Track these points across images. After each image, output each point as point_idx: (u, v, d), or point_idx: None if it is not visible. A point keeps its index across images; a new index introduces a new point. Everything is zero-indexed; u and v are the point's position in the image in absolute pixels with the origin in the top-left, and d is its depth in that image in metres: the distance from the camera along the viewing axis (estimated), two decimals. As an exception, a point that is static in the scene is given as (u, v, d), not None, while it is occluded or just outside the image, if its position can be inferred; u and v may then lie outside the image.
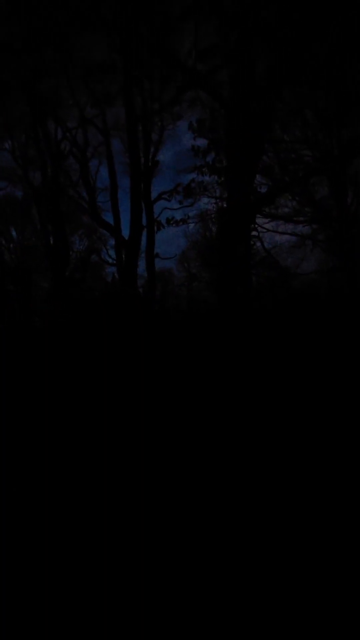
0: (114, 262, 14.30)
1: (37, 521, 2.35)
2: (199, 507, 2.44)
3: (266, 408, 4.15)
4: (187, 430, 3.76)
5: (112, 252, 16.42)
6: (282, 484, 2.69)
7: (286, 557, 1.95)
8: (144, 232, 11.87)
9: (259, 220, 12.48)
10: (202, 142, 10.46)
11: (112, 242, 14.79)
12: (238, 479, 2.79)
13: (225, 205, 9.81)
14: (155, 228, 12.76)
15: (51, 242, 13.49)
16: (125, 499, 2.55)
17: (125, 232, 11.45)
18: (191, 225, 15.60)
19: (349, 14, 5.71)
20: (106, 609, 1.67)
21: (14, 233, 18.86)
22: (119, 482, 2.80)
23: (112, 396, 4.62)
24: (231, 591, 1.75)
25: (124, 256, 11.93)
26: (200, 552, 2.01)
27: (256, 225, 12.23)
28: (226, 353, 5.69)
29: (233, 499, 2.53)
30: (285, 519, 2.28)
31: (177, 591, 1.75)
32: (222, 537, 2.13)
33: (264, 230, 13.40)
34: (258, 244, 12.74)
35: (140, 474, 2.89)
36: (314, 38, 6.09)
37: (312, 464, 2.98)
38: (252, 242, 12.02)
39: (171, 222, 12.80)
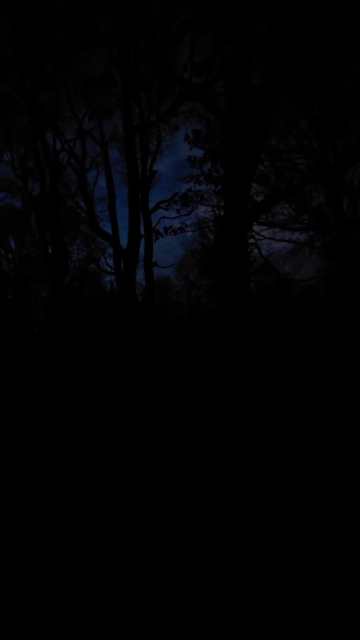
0: (113, 270, 14.38)
1: (37, 520, 2.32)
2: (197, 502, 2.42)
3: (265, 407, 4.15)
4: (190, 438, 3.75)
5: (110, 261, 16.55)
6: (278, 485, 2.68)
7: (287, 555, 1.94)
8: (142, 241, 11.96)
9: (257, 227, 12.65)
10: (198, 152, 10.66)
11: (111, 250, 14.92)
12: (236, 477, 2.78)
13: (222, 213, 9.94)
14: (154, 237, 12.89)
15: (50, 251, 13.56)
16: (126, 500, 2.53)
17: (124, 241, 11.56)
18: (189, 234, 15.80)
19: (344, 25, 5.89)
20: (109, 607, 1.65)
21: (13, 243, 18.98)
22: (121, 490, 2.78)
23: (114, 399, 4.60)
24: (231, 590, 1.73)
25: (122, 265, 11.99)
26: (201, 549, 1.99)
27: (254, 233, 12.39)
28: (226, 358, 5.70)
29: (227, 495, 2.51)
30: (284, 515, 2.26)
31: (178, 590, 1.73)
32: (222, 534, 2.12)
33: (262, 238, 13.58)
34: (256, 251, 12.88)
35: (140, 480, 2.88)
36: (309, 50, 6.26)
37: (311, 467, 2.97)
38: (250, 250, 12.17)
39: (169, 230, 12.95)
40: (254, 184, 10.45)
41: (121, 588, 1.81)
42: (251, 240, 12.17)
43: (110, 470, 3.09)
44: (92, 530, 2.29)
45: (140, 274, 13.21)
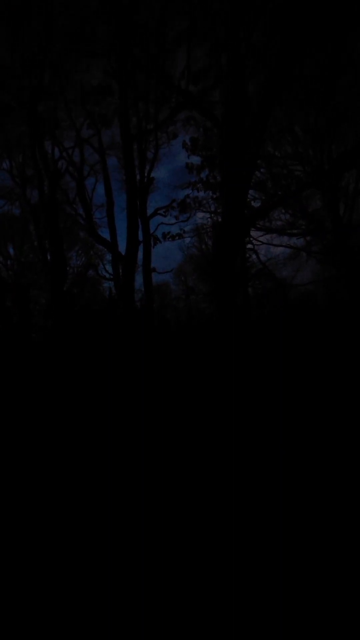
0: (111, 277, 14.39)
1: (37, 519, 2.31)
2: (197, 503, 2.41)
3: (262, 409, 4.15)
4: (190, 442, 3.74)
5: (109, 267, 16.56)
6: (278, 487, 2.68)
7: (286, 555, 1.93)
8: (141, 247, 12.00)
9: (254, 233, 12.73)
10: (196, 160, 10.78)
11: (110, 257, 14.94)
12: (236, 478, 2.78)
13: (220, 219, 10.02)
14: (152, 242, 12.94)
15: (49, 258, 13.59)
16: (126, 501, 2.52)
17: (122, 247, 11.59)
18: (187, 240, 15.87)
19: (336, 36, 6.02)
20: (109, 607, 1.64)
21: (11, 250, 19.04)
22: (121, 491, 2.77)
23: (114, 405, 4.59)
24: (231, 590, 1.72)
25: (121, 271, 12.03)
26: (201, 549, 1.99)
27: (251, 238, 12.46)
28: (225, 363, 5.71)
29: (227, 496, 2.51)
30: (284, 515, 2.26)
31: (177, 591, 1.73)
32: (222, 534, 2.11)
33: (259, 243, 13.66)
34: (254, 256, 12.95)
35: (140, 482, 2.87)
36: (303, 59, 6.38)
37: (310, 468, 2.97)
38: (247, 255, 12.23)
39: (167, 236, 13.03)
40: (251, 190, 10.56)
41: (121, 586, 1.81)
42: (249, 246, 12.24)
43: (110, 474, 3.09)
44: (93, 529, 2.28)
45: (138, 280, 13.24)
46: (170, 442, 3.72)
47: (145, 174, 12.64)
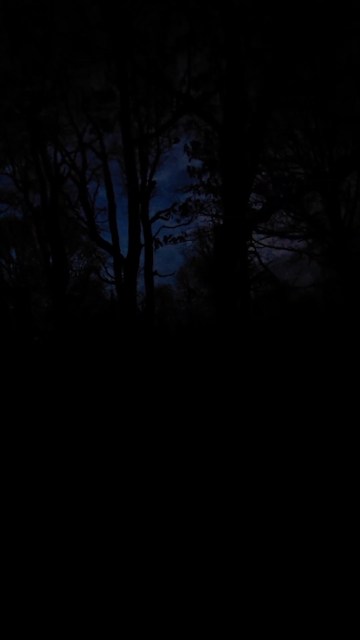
0: (113, 280, 14.43)
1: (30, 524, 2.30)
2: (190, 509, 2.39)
3: (262, 418, 4.12)
4: (187, 448, 3.72)
5: (111, 270, 16.62)
6: (270, 492, 2.65)
7: (285, 556, 1.91)
8: (142, 250, 12.03)
9: (256, 236, 12.72)
10: (197, 163, 10.82)
11: (111, 260, 14.99)
12: (230, 483, 2.75)
13: (221, 222, 10.03)
14: (154, 246, 12.99)
15: (50, 261, 13.65)
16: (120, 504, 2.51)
17: (124, 251, 11.63)
18: (189, 243, 15.91)
19: (334, 40, 6.05)
20: (101, 607, 1.62)
21: (14, 253, 19.15)
22: (115, 497, 2.76)
23: (108, 412, 4.58)
24: (229, 591, 1.70)
25: (122, 274, 12.05)
26: (198, 552, 1.96)
27: (253, 241, 12.46)
28: (225, 366, 5.68)
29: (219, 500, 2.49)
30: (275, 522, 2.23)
31: (173, 592, 1.70)
32: (219, 536, 2.09)
33: (261, 246, 13.66)
34: (255, 259, 12.94)
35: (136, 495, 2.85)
36: (301, 63, 6.41)
37: (310, 474, 2.95)
38: (249, 258, 12.23)
39: (169, 239, 13.06)
40: (252, 193, 10.57)
41: (115, 589, 1.79)
42: (250, 249, 12.24)
43: (101, 488, 3.07)
44: (86, 536, 2.27)
45: (140, 283, 13.26)
46: (164, 447, 3.70)
47: (147, 178, 12.74)
